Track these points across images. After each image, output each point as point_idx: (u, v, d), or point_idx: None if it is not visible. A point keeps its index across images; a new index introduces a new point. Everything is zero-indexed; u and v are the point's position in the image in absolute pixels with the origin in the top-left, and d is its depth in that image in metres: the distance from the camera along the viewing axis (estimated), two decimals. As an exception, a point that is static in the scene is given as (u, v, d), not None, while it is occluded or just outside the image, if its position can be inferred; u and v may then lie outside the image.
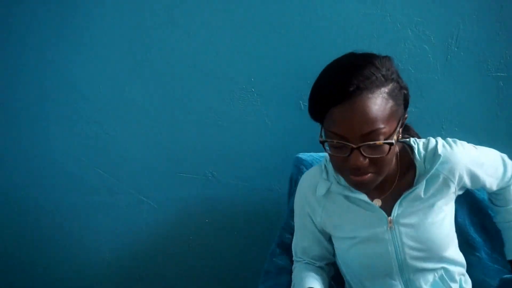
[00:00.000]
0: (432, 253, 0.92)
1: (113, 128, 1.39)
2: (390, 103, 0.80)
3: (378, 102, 0.78)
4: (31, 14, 1.34)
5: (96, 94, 1.38)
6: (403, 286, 0.94)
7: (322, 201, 0.98)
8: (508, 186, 1.01)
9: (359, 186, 0.86)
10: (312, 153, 1.26)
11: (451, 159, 0.92)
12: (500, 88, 1.39)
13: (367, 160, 0.81)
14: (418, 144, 0.94)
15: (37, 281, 1.46)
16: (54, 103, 1.38)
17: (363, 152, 0.80)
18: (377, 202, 0.94)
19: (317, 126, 1.41)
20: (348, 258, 0.97)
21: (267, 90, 1.40)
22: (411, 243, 0.92)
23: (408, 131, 1.03)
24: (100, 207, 1.43)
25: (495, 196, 1.04)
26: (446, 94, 1.40)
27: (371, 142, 0.79)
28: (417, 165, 0.92)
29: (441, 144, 0.93)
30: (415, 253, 0.92)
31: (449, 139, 0.95)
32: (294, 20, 1.37)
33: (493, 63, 1.39)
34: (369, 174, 0.83)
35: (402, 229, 0.92)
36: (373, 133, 0.78)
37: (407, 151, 0.95)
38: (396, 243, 0.92)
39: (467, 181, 0.95)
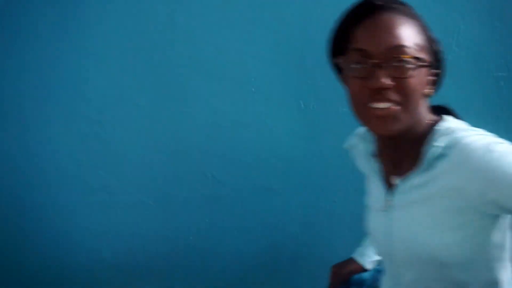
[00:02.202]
0: (426, 264, 0.77)
1: (113, 128, 1.39)
2: (421, 32, 0.75)
3: (408, 25, 0.73)
4: (32, 15, 1.34)
5: (96, 94, 1.38)
6: (391, 278, 0.84)
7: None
8: None
9: (381, 122, 0.73)
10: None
11: (465, 163, 0.70)
12: (500, 88, 1.39)
13: (390, 82, 0.71)
14: (447, 124, 0.78)
15: (37, 281, 1.46)
16: (54, 103, 1.38)
17: (386, 69, 0.71)
18: (393, 179, 0.82)
19: (317, 125, 1.41)
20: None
21: (267, 90, 1.40)
22: (401, 237, 0.80)
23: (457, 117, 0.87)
24: (100, 207, 1.43)
25: None
26: (446, 94, 1.39)
27: (397, 56, 0.71)
28: (426, 145, 0.76)
29: (465, 137, 0.72)
30: (404, 253, 0.80)
31: (496, 141, 0.72)
32: (294, 20, 1.37)
33: (494, 62, 1.38)
34: (393, 106, 0.72)
35: (397, 216, 0.80)
36: (400, 48, 0.71)
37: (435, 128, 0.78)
38: (391, 230, 0.82)
39: (498, 202, 0.70)
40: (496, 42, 1.38)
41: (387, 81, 0.71)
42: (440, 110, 0.86)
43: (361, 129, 0.93)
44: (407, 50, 0.72)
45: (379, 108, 0.72)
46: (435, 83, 0.81)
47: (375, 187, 0.88)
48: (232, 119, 1.40)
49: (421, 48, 0.74)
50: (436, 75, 0.81)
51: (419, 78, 0.73)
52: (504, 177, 0.67)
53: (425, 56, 0.75)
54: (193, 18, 1.36)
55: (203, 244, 1.46)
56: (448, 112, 0.88)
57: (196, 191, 1.43)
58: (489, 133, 0.76)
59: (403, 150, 0.80)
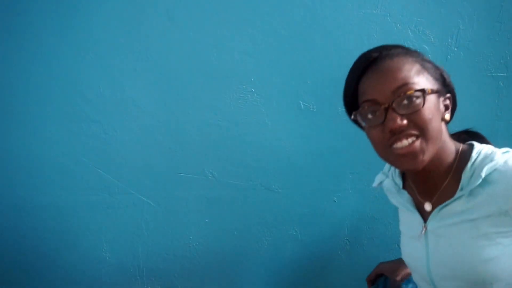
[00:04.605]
0: (465, 282, 0.79)
1: (113, 128, 1.39)
2: (419, 67, 0.78)
3: (406, 64, 0.77)
4: (31, 15, 1.34)
5: (96, 94, 1.38)
6: None
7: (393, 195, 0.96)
8: None
9: (408, 158, 0.76)
10: None
11: (507, 181, 0.74)
12: (500, 88, 1.39)
13: (404, 120, 0.75)
14: (479, 150, 0.80)
15: (37, 281, 1.46)
16: (54, 103, 1.38)
17: (397, 110, 0.75)
18: (428, 206, 0.85)
19: (317, 125, 1.42)
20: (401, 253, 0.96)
21: (267, 90, 1.40)
22: (438, 259, 0.83)
23: (482, 139, 0.89)
24: (100, 207, 1.43)
25: None
26: (446, 94, 1.40)
27: (402, 94, 0.75)
28: (463, 173, 0.79)
29: (502, 157, 0.77)
30: (442, 272, 0.83)
31: None
32: (294, 20, 1.37)
33: (493, 63, 1.39)
34: (415, 140, 0.75)
35: (433, 240, 0.84)
36: (403, 87, 0.75)
37: (468, 155, 0.81)
38: (427, 253, 0.85)
39: None
40: (495, 42, 1.38)
41: (400, 121, 0.74)
42: (465, 135, 0.90)
43: (385, 167, 0.98)
44: (410, 86, 0.75)
45: (401, 147, 0.76)
46: (450, 108, 0.83)
47: (408, 217, 0.91)
48: (232, 119, 1.40)
49: (424, 80, 0.77)
50: (448, 99, 0.83)
51: (431, 107, 0.76)
52: None
53: (430, 86, 0.78)
54: (193, 18, 1.36)
55: (203, 244, 1.46)
56: (474, 135, 0.91)
57: (196, 191, 1.43)
58: None
59: (434, 179, 0.83)
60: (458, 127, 1.42)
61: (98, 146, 1.40)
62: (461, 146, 0.84)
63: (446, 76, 0.83)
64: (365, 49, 1.37)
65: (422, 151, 0.76)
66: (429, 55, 1.38)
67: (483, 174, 0.75)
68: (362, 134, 1.43)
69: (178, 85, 1.39)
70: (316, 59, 1.39)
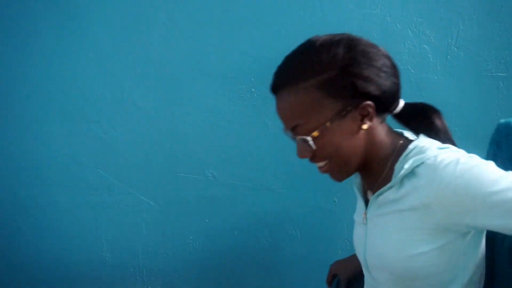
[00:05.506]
0: (390, 274, 0.80)
1: (113, 128, 1.39)
2: (316, 95, 0.75)
3: (294, 100, 0.78)
4: (31, 15, 1.34)
5: (96, 94, 1.38)
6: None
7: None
8: None
9: (329, 176, 0.82)
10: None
11: (433, 181, 0.71)
12: (499, 88, 1.39)
13: (309, 150, 0.78)
14: (417, 143, 0.77)
15: (37, 281, 1.46)
16: (54, 103, 1.38)
17: (299, 143, 0.79)
18: (370, 195, 0.85)
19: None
20: None
21: (267, 90, 1.40)
22: (370, 248, 0.83)
23: (437, 134, 0.83)
24: (100, 207, 1.43)
25: None
26: (446, 94, 1.40)
27: (294, 135, 0.79)
28: (396, 164, 0.78)
29: (433, 153, 0.73)
30: (373, 261, 0.83)
31: (465, 159, 0.71)
32: (294, 20, 1.37)
33: (493, 63, 1.39)
34: (326, 164, 0.79)
35: (370, 228, 0.84)
36: (296, 128, 0.78)
37: (405, 148, 0.79)
38: (365, 241, 0.85)
39: (465, 220, 0.71)
40: (495, 42, 1.38)
41: (304, 154, 0.79)
42: (423, 110, 0.86)
43: None
44: (300, 127, 0.77)
45: (318, 167, 0.81)
46: (371, 113, 0.77)
47: (358, 201, 0.92)
48: (232, 119, 1.40)
49: (318, 114, 0.76)
50: (367, 106, 0.76)
51: (330, 139, 0.76)
52: (472, 195, 0.68)
53: (330, 113, 0.75)
54: (193, 18, 1.36)
55: (203, 244, 1.47)
56: (431, 111, 0.87)
57: (196, 191, 1.43)
58: (459, 150, 0.76)
59: (373, 173, 0.83)
60: (458, 127, 1.43)
61: (98, 146, 1.40)
62: (401, 142, 0.81)
63: (359, 83, 0.75)
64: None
65: (339, 172, 0.80)
66: (429, 55, 1.38)
67: (406, 166, 0.74)
68: (362, 134, 1.44)
69: (178, 85, 1.39)
70: (316, 59, 1.39)
